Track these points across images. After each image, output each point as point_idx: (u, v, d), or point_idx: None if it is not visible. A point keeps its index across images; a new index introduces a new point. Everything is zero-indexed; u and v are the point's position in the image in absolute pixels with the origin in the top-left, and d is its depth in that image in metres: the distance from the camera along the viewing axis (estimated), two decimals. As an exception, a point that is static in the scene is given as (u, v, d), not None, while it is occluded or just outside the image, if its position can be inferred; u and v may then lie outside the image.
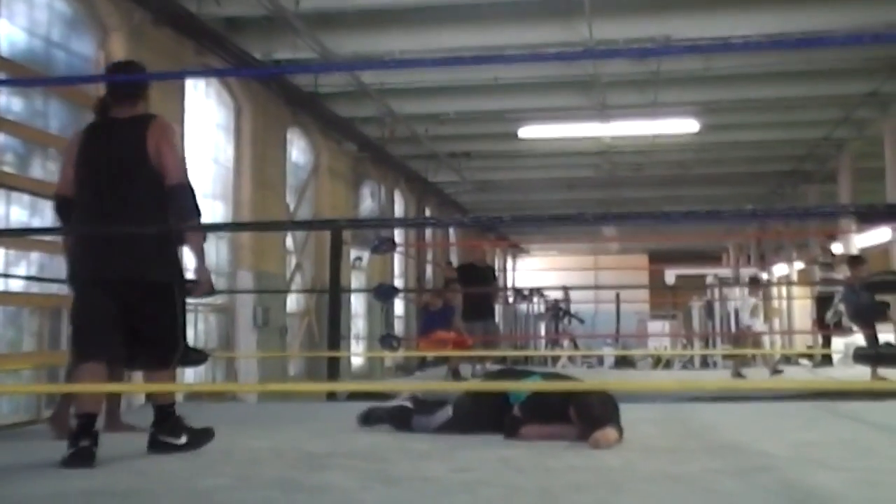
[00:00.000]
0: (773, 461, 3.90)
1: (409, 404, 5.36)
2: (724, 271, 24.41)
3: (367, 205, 17.48)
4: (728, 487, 3.30)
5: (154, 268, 4.40)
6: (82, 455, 3.92)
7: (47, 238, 8.20)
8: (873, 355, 7.95)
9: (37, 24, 8.10)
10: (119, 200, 4.35)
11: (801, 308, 21.28)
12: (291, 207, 13.56)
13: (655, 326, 21.72)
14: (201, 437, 4.47)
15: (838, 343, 12.46)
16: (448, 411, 5.05)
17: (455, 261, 17.95)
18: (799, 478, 3.49)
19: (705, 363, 16.47)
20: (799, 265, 22.87)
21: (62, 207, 4.64)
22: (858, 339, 10.07)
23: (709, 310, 19.21)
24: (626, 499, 3.17)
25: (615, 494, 3.21)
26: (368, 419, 5.35)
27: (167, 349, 4.46)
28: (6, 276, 7.48)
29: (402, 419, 5.22)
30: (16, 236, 7.50)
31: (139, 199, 4.36)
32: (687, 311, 22.20)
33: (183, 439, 4.38)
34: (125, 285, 4.33)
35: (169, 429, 4.38)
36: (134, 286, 4.34)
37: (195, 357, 6.92)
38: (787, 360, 16.05)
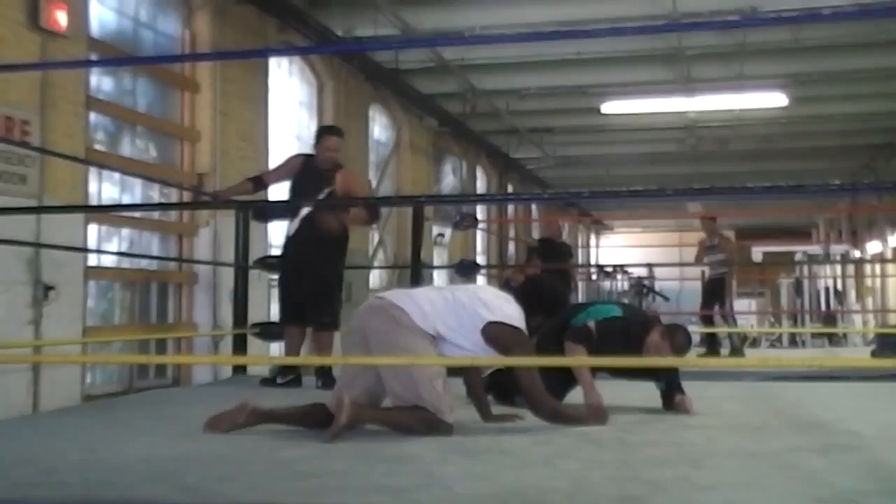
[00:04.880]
0: (859, 440, 3.81)
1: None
2: (814, 248, 23.83)
3: (449, 181, 17.50)
4: (811, 465, 3.24)
5: None
6: None
7: (137, 214, 8.44)
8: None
9: (125, 5, 8.28)
10: None
11: None
12: (374, 183, 13.65)
13: (742, 304, 21.34)
14: None
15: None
16: None
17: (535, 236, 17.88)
18: (884, 458, 3.42)
19: (794, 341, 16.16)
20: (894, 242, 22.20)
21: None
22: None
23: (797, 287, 18.81)
24: (707, 475, 3.13)
25: (696, 470, 3.18)
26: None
27: None
28: (98, 251, 7.71)
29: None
30: (107, 212, 7.72)
31: None
32: (775, 289, 21.79)
33: None
34: None
35: None
36: None
37: (278, 331, 7.08)
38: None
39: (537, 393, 4.06)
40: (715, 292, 11.97)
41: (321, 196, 6.33)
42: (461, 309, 4.07)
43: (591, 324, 4.69)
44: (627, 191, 7.62)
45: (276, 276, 7.21)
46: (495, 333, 4.03)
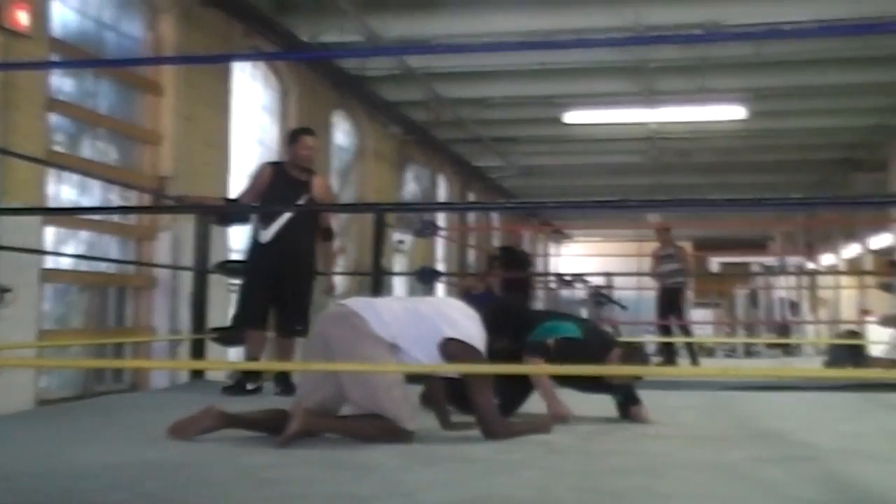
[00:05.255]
0: (817, 451, 3.86)
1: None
2: (770, 260, 24.12)
3: (411, 188, 17.51)
4: (771, 476, 3.28)
5: None
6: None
7: (96, 217, 8.35)
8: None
9: (88, 5, 8.20)
10: None
11: (848, 298, 21.01)
12: (336, 189, 13.61)
13: (699, 314, 21.54)
14: None
15: (883, 334, 12.29)
16: None
17: (495, 245, 17.94)
18: (843, 468, 3.46)
19: (749, 352, 16.34)
20: (847, 254, 22.54)
21: None
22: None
23: (753, 299, 19.04)
24: (668, 484, 3.16)
25: (656, 480, 3.21)
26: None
27: None
28: (56, 253, 7.62)
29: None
30: (66, 215, 7.63)
31: None
32: (731, 299, 22.03)
33: None
34: None
35: None
36: None
37: (237, 336, 7.03)
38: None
39: (490, 417, 4.07)
40: (672, 302, 12.07)
41: (300, 203, 6.32)
42: (422, 321, 4.08)
43: (550, 341, 4.71)
44: (593, 201, 7.66)
45: (236, 281, 7.18)
46: (452, 351, 4.03)
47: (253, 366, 6.44)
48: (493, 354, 4.20)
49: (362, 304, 4.16)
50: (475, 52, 12.11)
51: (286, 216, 6.24)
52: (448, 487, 3.06)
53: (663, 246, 12.26)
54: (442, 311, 4.18)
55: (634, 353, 4.84)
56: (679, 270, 12.04)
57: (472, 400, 4.07)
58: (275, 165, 6.62)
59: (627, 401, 4.85)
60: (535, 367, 4.57)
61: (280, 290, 6.31)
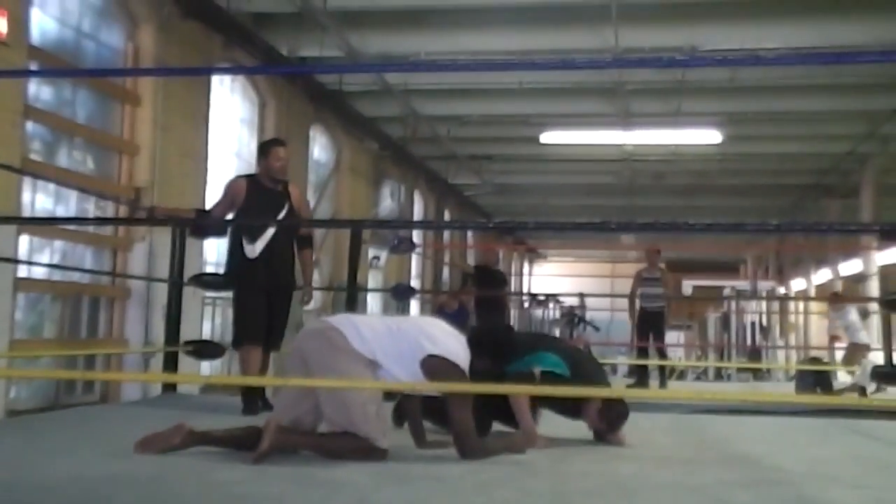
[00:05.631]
0: (787, 476, 3.89)
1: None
2: (742, 283, 24.30)
3: (387, 204, 17.51)
4: (742, 500, 3.31)
5: None
6: None
7: (71, 227, 8.30)
8: (891, 373, 7.91)
9: (68, 14, 8.17)
10: None
11: (819, 323, 21.19)
12: (312, 204, 13.59)
13: (671, 336, 21.64)
14: None
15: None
16: None
17: (471, 263, 17.96)
18: (813, 493, 3.49)
19: (719, 375, 16.41)
20: (817, 280, 22.75)
21: None
22: (877, 357, 10.02)
23: (725, 322, 19.14)
24: (640, 506, 3.18)
25: (629, 501, 3.23)
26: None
27: None
28: (30, 262, 7.56)
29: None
30: (40, 224, 7.58)
31: None
32: (702, 322, 22.15)
33: None
34: None
35: None
36: None
37: (212, 350, 6.97)
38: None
39: (466, 436, 4.05)
40: (655, 324, 11.99)
41: (282, 215, 6.22)
42: (403, 338, 4.07)
43: (537, 371, 4.72)
44: (572, 223, 7.68)
45: (211, 294, 7.12)
46: (434, 367, 4.02)
47: (228, 380, 6.39)
48: (475, 375, 4.19)
49: (341, 320, 4.15)
50: (453, 70, 12.16)
51: (271, 230, 6.13)
52: (420, 506, 3.07)
53: (650, 268, 12.21)
54: (424, 329, 4.17)
55: (613, 407, 4.80)
56: (662, 294, 12.00)
57: (450, 417, 4.06)
58: (249, 178, 6.49)
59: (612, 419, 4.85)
60: (515, 388, 4.56)
61: (270, 306, 6.20)
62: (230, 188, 6.40)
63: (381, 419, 3.99)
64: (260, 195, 6.23)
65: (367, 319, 4.23)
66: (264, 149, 6.47)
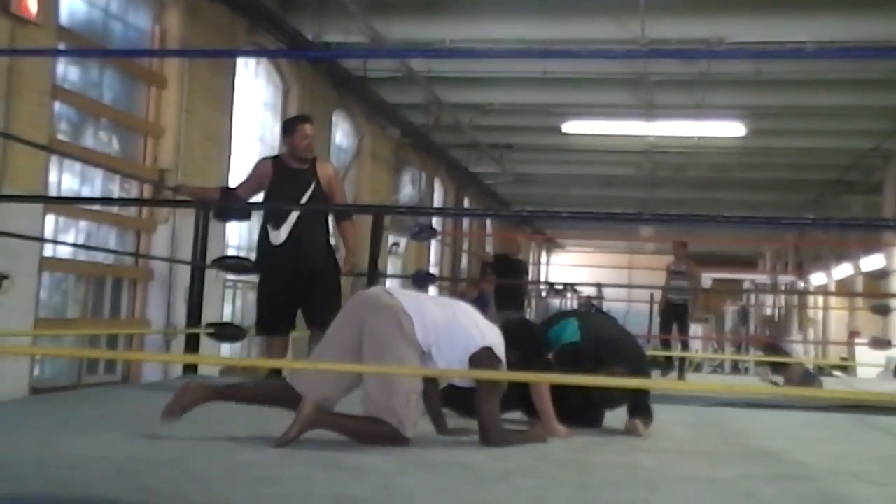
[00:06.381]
0: (809, 471, 3.89)
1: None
2: (761, 277, 24.21)
3: (407, 191, 17.53)
4: (765, 493, 3.31)
5: None
6: None
7: (96, 207, 8.35)
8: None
9: (97, -5, 8.21)
10: None
11: (838, 319, 21.09)
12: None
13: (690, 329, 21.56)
14: None
15: (879, 357, 12.31)
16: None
17: (490, 251, 17.97)
18: (835, 489, 3.49)
19: (736, 368, 16.38)
20: (838, 275, 22.63)
21: None
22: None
23: (743, 315, 19.09)
24: (665, 499, 3.18)
25: (653, 493, 3.23)
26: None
27: None
28: (55, 241, 7.62)
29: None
30: (66, 204, 7.63)
31: None
32: (720, 316, 22.09)
33: None
34: None
35: None
36: None
37: (233, 333, 7.01)
38: (821, 370, 15.93)
39: (492, 424, 4.08)
40: (679, 317, 12.10)
41: (304, 199, 6.00)
42: (458, 329, 4.08)
43: (551, 356, 4.74)
44: (590, 213, 7.63)
45: (232, 277, 7.10)
46: (482, 360, 4.04)
47: (248, 362, 6.42)
48: (508, 367, 4.23)
49: (411, 304, 4.07)
50: (477, 58, 12.14)
51: (295, 214, 5.92)
52: (444, 493, 3.08)
53: (677, 261, 12.29)
54: (475, 319, 4.20)
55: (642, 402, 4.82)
56: (686, 288, 12.08)
57: (479, 407, 4.08)
58: (274, 160, 6.26)
59: (632, 411, 4.85)
60: (539, 376, 4.57)
61: (304, 291, 5.95)
62: (256, 170, 6.25)
63: (417, 411, 4.00)
64: (285, 178, 6.02)
65: (431, 305, 4.16)
66: (289, 126, 6.21)
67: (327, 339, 4.21)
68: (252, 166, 6.53)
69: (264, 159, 6.53)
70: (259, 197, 6.22)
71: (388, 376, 3.88)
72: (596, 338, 5.07)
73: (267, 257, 6.13)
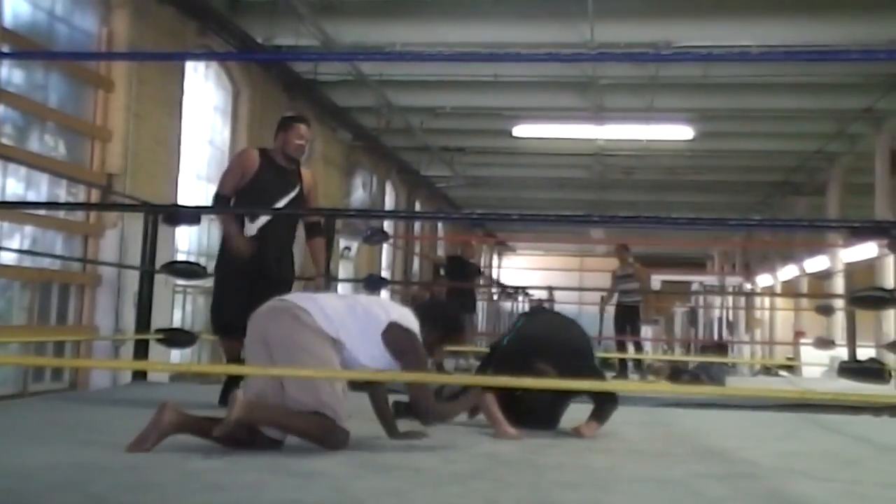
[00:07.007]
0: (757, 469, 3.95)
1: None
2: (709, 279, 24.52)
3: (359, 194, 17.48)
4: (715, 492, 3.35)
5: None
6: None
7: (41, 212, 8.22)
8: (857, 369, 8.01)
9: (41, -3, 8.09)
10: None
11: (784, 319, 21.42)
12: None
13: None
14: None
15: (823, 356, 12.51)
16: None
17: (442, 254, 18.00)
18: (784, 487, 3.55)
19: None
20: (784, 276, 22.99)
21: None
22: (842, 352, 10.14)
23: (692, 316, 19.31)
24: (616, 498, 3.22)
25: (604, 494, 3.26)
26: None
27: None
28: (-1, 247, 7.49)
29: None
30: (11, 209, 7.50)
31: None
32: (669, 317, 22.33)
33: None
34: None
35: None
36: None
37: (182, 339, 6.93)
38: (767, 370, 16.20)
39: (424, 401, 4.12)
40: (631, 319, 12.24)
41: (285, 201, 5.74)
42: (363, 314, 4.07)
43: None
44: (541, 216, 7.63)
45: (182, 282, 7.00)
46: (395, 335, 4.06)
47: (198, 369, 6.36)
48: (426, 346, 4.26)
49: (304, 298, 4.11)
50: (427, 61, 12.16)
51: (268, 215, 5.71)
52: (397, 496, 3.08)
53: (622, 265, 12.43)
54: (379, 303, 4.30)
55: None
56: (637, 289, 12.22)
57: (409, 389, 4.12)
58: (262, 151, 5.89)
59: (595, 412, 4.90)
60: (482, 380, 4.60)
61: (262, 288, 5.47)
62: (241, 159, 5.93)
63: (346, 398, 3.98)
64: (272, 172, 5.77)
65: (327, 298, 4.18)
66: (286, 123, 5.92)
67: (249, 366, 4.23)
68: (236, 155, 6.27)
69: (251, 148, 6.21)
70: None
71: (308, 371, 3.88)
72: (528, 338, 5.08)
73: (231, 248, 5.78)
